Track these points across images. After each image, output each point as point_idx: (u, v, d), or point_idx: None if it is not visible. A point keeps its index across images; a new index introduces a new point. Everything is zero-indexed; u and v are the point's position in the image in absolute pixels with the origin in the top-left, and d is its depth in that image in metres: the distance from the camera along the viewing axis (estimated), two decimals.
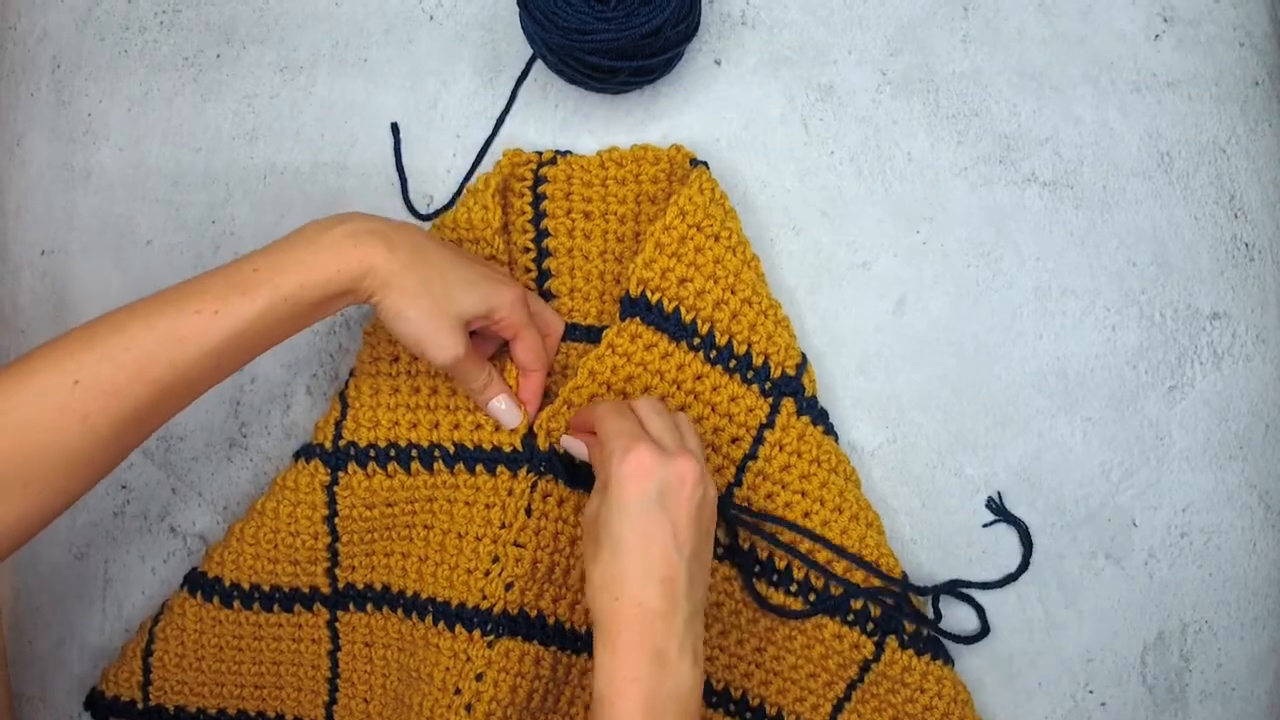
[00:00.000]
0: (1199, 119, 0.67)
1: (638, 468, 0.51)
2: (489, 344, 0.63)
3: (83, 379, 0.48)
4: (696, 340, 0.62)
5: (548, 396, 0.64)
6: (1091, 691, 0.66)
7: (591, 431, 0.58)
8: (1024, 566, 0.65)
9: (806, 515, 0.62)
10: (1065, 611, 0.65)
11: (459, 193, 0.68)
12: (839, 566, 0.62)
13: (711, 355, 0.62)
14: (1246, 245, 0.66)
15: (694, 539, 0.52)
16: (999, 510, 0.65)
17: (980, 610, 0.64)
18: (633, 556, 0.50)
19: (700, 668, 0.52)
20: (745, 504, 0.63)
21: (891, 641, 0.62)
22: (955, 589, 0.64)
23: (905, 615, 0.62)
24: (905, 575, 0.63)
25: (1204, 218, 0.66)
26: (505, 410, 0.61)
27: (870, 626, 0.62)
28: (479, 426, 0.62)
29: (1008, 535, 0.66)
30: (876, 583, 0.62)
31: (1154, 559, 0.65)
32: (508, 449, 0.62)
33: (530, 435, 0.62)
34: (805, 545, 0.62)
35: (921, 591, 0.63)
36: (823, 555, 0.62)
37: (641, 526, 0.51)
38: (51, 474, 0.48)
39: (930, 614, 0.64)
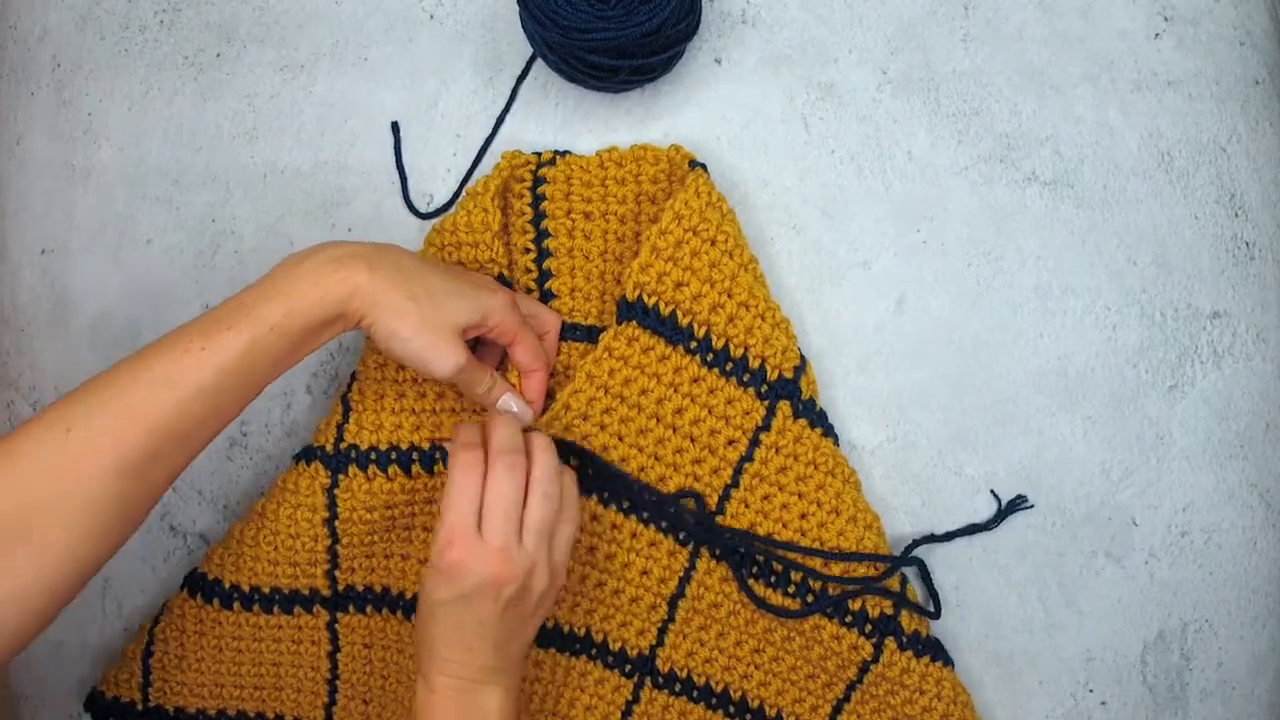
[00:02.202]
0: (1199, 118, 0.67)
1: (453, 566, 0.53)
2: (493, 353, 0.63)
3: (74, 426, 0.48)
4: (693, 344, 0.62)
5: (550, 397, 0.64)
6: (1092, 690, 0.66)
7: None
8: (996, 521, 0.65)
9: (803, 516, 0.62)
10: (1065, 611, 0.65)
11: (459, 192, 0.68)
12: (835, 569, 0.62)
13: (708, 358, 0.62)
14: (1247, 244, 0.66)
15: (501, 630, 0.55)
16: (1006, 508, 0.65)
17: (934, 594, 0.64)
18: (439, 642, 0.54)
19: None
20: (742, 505, 0.63)
21: (890, 643, 0.62)
22: (914, 552, 0.64)
23: (905, 605, 0.62)
24: (905, 579, 0.63)
25: (1204, 217, 0.66)
26: (516, 409, 0.61)
27: (868, 628, 0.62)
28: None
29: (1008, 534, 0.66)
30: (868, 571, 0.62)
31: (1154, 558, 0.65)
32: None
33: None
34: (797, 552, 0.62)
35: (894, 561, 0.63)
36: (815, 561, 0.62)
37: (454, 618, 0.53)
38: (50, 528, 0.47)
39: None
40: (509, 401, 0.61)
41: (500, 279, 0.64)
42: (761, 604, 0.63)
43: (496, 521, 0.53)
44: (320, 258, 0.54)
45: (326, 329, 0.54)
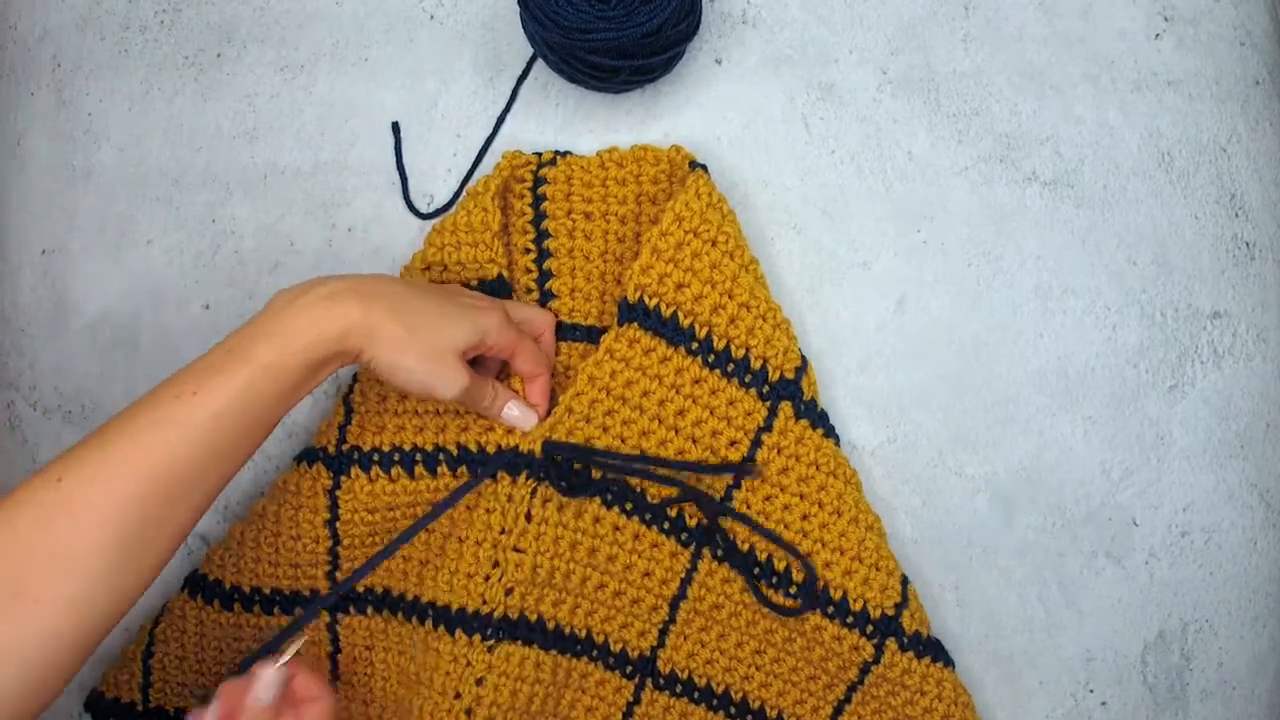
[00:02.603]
0: (1199, 118, 0.67)
1: None
2: (493, 365, 0.63)
3: (65, 476, 0.46)
4: (695, 344, 0.62)
5: (552, 399, 0.64)
6: (1092, 691, 0.66)
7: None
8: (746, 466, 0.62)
9: (805, 518, 0.62)
10: (1065, 611, 0.65)
11: (460, 192, 0.68)
12: (836, 569, 0.62)
13: (710, 359, 0.62)
14: (1247, 244, 0.66)
15: None
16: (739, 469, 0.63)
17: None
18: None
19: None
20: (744, 506, 0.63)
21: (891, 644, 0.62)
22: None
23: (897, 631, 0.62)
24: (906, 580, 0.63)
25: (1204, 217, 0.66)
26: (519, 415, 0.61)
27: (869, 629, 0.62)
28: (490, 429, 0.62)
29: (1008, 534, 0.66)
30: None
31: (1154, 558, 0.65)
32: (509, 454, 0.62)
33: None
34: (802, 550, 0.62)
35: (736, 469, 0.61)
36: (822, 557, 0.62)
37: None
38: (47, 584, 0.45)
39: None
40: (512, 409, 0.61)
41: (500, 279, 0.64)
42: (766, 602, 0.63)
43: None
44: (311, 296, 0.52)
45: (324, 367, 0.53)
